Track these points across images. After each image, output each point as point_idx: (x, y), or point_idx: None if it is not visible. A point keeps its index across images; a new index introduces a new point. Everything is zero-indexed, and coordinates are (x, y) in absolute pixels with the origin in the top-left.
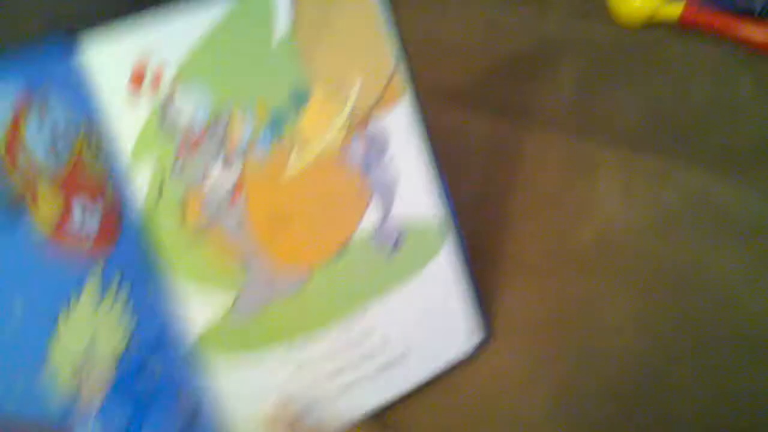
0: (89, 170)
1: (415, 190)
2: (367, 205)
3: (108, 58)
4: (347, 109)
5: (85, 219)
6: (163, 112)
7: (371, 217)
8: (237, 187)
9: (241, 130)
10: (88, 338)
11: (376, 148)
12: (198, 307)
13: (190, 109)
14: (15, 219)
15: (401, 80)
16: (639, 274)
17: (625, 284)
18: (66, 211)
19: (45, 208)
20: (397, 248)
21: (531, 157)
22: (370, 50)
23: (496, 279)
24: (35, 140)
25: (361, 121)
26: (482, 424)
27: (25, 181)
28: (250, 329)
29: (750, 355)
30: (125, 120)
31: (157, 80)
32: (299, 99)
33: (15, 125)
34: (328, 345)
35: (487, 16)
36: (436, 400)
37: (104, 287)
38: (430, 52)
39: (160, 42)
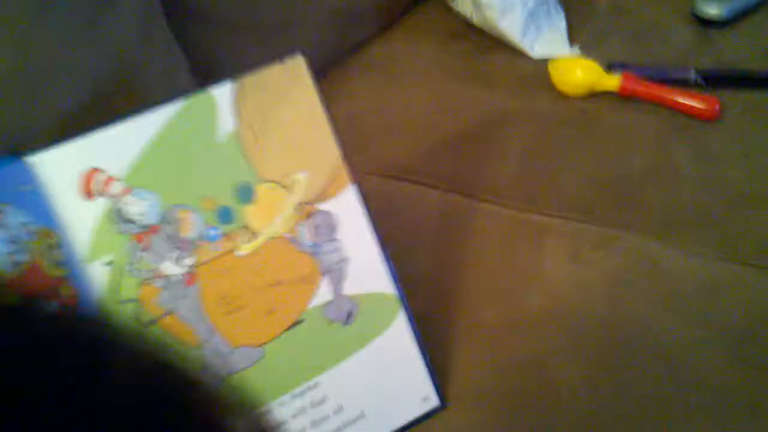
0: (45, 273)
1: (365, 267)
2: (318, 284)
3: (58, 171)
4: (294, 198)
5: None
6: (115, 215)
7: (322, 295)
8: (190, 278)
9: (190, 226)
10: None
11: (324, 231)
12: None
13: (140, 210)
14: None
15: (346, 168)
16: (587, 337)
17: (574, 348)
18: None
19: None
20: (350, 322)
21: (480, 227)
22: (315, 143)
23: (450, 346)
24: None
25: (308, 209)
26: None
27: None
28: None
29: (695, 415)
30: (79, 222)
31: (106, 187)
32: (245, 193)
33: None
34: (281, 415)
35: (435, 92)
36: None
37: None
38: (380, 127)
39: (105, 154)
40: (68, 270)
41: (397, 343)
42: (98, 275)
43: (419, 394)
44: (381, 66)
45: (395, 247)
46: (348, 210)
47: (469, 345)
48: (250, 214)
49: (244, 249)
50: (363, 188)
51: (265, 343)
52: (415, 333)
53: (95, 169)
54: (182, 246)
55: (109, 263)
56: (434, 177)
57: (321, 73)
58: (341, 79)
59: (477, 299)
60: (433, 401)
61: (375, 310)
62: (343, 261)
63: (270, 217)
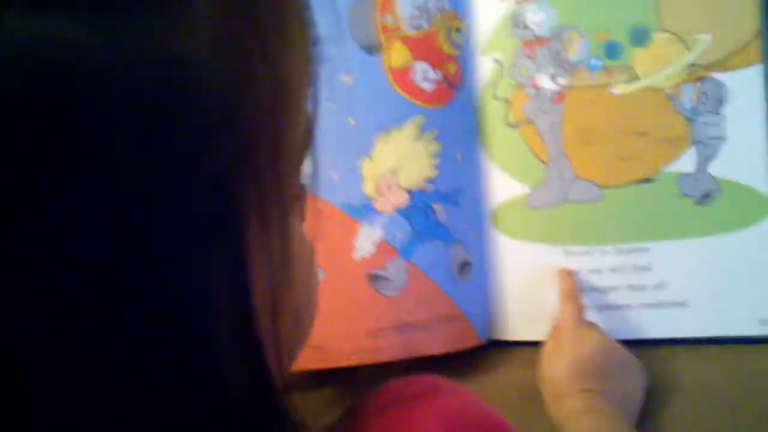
0: (439, 45)
1: (743, 155)
2: (683, 151)
3: None
4: (690, 57)
5: (423, 78)
6: (516, 19)
7: (684, 164)
8: (559, 97)
9: (576, 49)
10: (393, 163)
11: (710, 101)
12: (497, 187)
13: (538, 20)
14: (371, 58)
15: (758, 47)
16: None
17: None
18: (409, 66)
19: (394, 58)
20: (704, 202)
21: None
22: (732, 7)
23: None
24: (403, 7)
25: (700, 72)
26: None
27: (386, 35)
28: (535, 222)
29: None
30: (486, 17)
31: None
32: (640, 35)
33: None
34: (598, 263)
35: None
36: None
37: (422, 132)
38: None
39: None
40: (460, 52)
41: (752, 248)
42: (484, 68)
43: (759, 313)
44: None
45: None
46: (745, 88)
47: None
48: (639, 57)
49: (621, 89)
50: None
51: (607, 187)
52: None
53: None
54: (562, 65)
55: (497, 60)
56: None
57: None
58: None
59: None
60: None
61: (739, 203)
62: (720, 139)
63: (657, 66)
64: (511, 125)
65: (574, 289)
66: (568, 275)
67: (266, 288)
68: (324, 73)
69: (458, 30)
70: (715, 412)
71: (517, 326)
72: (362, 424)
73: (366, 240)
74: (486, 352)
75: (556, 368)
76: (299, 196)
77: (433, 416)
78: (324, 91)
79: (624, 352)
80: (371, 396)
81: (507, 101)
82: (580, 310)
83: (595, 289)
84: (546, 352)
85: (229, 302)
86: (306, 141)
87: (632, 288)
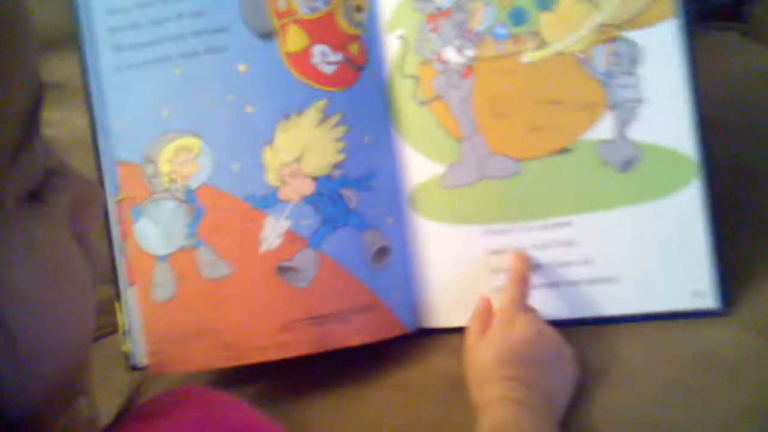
0: (338, 25)
1: (663, 116)
2: (600, 116)
3: None
4: (599, 17)
5: (323, 61)
6: None
7: (602, 131)
8: (467, 70)
9: (481, 18)
10: (297, 151)
11: (623, 62)
12: (412, 169)
13: None
14: (267, 45)
15: (670, 1)
16: None
17: None
18: (306, 49)
19: (290, 42)
20: (627, 169)
21: None
22: None
23: (747, 247)
24: None
25: (611, 32)
26: None
27: (280, 20)
28: (453, 202)
29: None
30: None
31: None
32: (545, 0)
33: None
34: (522, 240)
35: None
36: None
37: (325, 116)
38: None
39: None
40: (363, 32)
41: (679, 215)
42: (390, 46)
43: (691, 285)
44: None
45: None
46: (660, 46)
47: None
48: (546, 21)
49: (529, 56)
50: None
51: (525, 160)
52: (710, 212)
53: None
54: (467, 36)
55: (401, 37)
56: None
57: None
58: None
59: None
60: (709, 301)
61: (663, 168)
62: (637, 101)
63: (566, 30)
64: (421, 103)
65: (524, 273)
66: (522, 257)
67: None
68: (219, 63)
69: (359, 9)
70: (644, 396)
71: (444, 312)
72: None
73: (272, 231)
74: (415, 341)
75: (482, 352)
76: (38, 195)
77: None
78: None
79: (557, 340)
80: (134, 408)
81: (415, 78)
82: (523, 295)
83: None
84: (472, 334)
85: None
86: (11, 137)
87: (558, 264)
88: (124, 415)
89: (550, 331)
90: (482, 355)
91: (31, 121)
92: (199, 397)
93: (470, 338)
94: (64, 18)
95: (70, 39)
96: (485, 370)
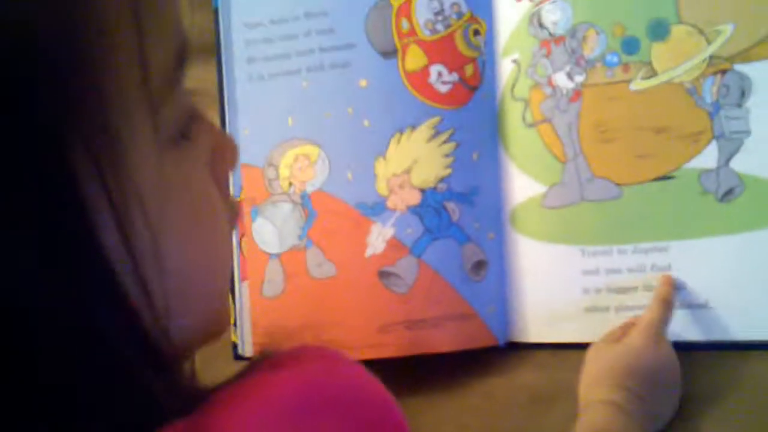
0: (456, 47)
1: None
2: (705, 146)
3: None
4: (709, 50)
5: (438, 80)
6: (533, 18)
7: (705, 160)
8: (575, 95)
9: (593, 46)
10: (407, 164)
11: (732, 94)
12: (515, 187)
13: (555, 19)
14: (387, 63)
15: None
16: None
17: None
18: (424, 68)
19: (410, 61)
20: (727, 199)
21: None
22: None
23: None
24: (420, 13)
25: (721, 65)
26: None
27: (402, 39)
28: (552, 222)
29: None
30: (506, 19)
31: None
32: (659, 29)
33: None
34: (618, 262)
35: None
36: None
37: (436, 132)
38: None
39: None
40: (480, 54)
41: None
42: (504, 69)
43: None
44: None
45: None
46: None
47: None
48: (657, 51)
49: (639, 84)
50: None
51: (626, 185)
52: None
53: None
54: (579, 62)
55: (515, 61)
56: None
57: None
58: None
59: None
60: None
61: (763, 199)
62: (743, 133)
63: (677, 60)
64: (529, 125)
65: (669, 297)
66: (670, 281)
67: (131, 237)
68: (343, 78)
69: (477, 32)
70: (730, 425)
71: (534, 328)
72: (236, 386)
73: (377, 237)
74: (504, 353)
75: (614, 354)
76: (185, 133)
77: (285, 383)
78: (342, 95)
79: (678, 373)
80: (260, 360)
81: (525, 101)
82: (665, 318)
83: (613, 290)
84: (607, 337)
85: (74, 252)
86: (171, 72)
87: (651, 289)
88: (250, 366)
89: (677, 363)
90: (611, 356)
91: (179, 66)
92: (321, 353)
93: (602, 341)
94: (205, 29)
95: (206, 49)
96: (606, 371)
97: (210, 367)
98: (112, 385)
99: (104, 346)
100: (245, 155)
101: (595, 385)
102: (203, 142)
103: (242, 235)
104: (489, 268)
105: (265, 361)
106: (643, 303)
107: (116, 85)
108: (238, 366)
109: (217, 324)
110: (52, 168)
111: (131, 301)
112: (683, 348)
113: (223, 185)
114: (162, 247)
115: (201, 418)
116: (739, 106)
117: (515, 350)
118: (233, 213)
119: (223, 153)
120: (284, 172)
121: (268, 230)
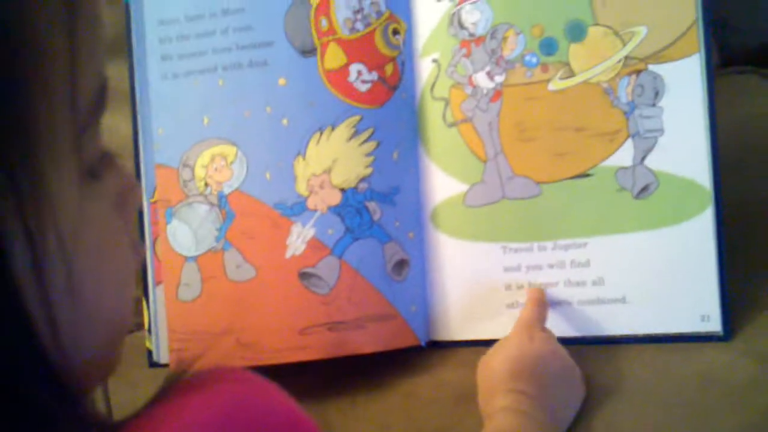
0: (376, 46)
1: (682, 147)
2: (620, 144)
3: None
4: (624, 50)
5: (358, 79)
6: (453, 19)
7: (621, 158)
8: (496, 95)
9: (512, 47)
10: (327, 163)
11: (647, 94)
12: (436, 187)
13: (475, 19)
14: (307, 61)
15: (697, 36)
16: None
17: None
18: (344, 67)
19: (329, 60)
20: (642, 196)
21: None
22: (667, 1)
23: (752, 275)
24: (339, 11)
25: (636, 65)
26: None
27: (321, 38)
28: (474, 220)
29: None
30: (426, 19)
31: None
32: (576, 30)
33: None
34: (537, 259)
35: None
36: None
37: (356, 132)
38: None
39: None
40: (399, 53)
41: (691, 242)
42: (423, 69)
43: (699, 309)
44: None
45: None
46: (683, 80)
47: None
48: (574, 52)
49: (557, 84)
50: None
51: (545, 183)
52: (720, 240)
53: None
54: (499, 63)
55: (435, 60)
56: None
57: None
58: None
59: None
60: (714, 325)
61: (678, 196)
62: (658, 131)
63: (593, 61)
64: (450, 124)
65: (540, 297)
66: (540, 290)
67: (45, 267)
68: (261, 76)
69: (396, 32)
70: (647, 414)
71: (456, 326)
72: (148, 414)
73: (298, 238)
74: (427, 352)
75: (496, 362)
76: (94, 173)
77: (198, 410)
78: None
79: (569, 361)
80: (174, 383)
81: (445, 101)
82: (538, 316)
83: (534, 286)
84: (494, 346)
85: None
86: (93, 105)
87: (571, 284)
88: (163, 390)
89: (563, 352)
90: (496, 364)
91: (98, 104)
92: (238, 376)
93: (493, 347)
94: (115, 25)
95: (118, 46)
96: (497, 379)
97: (125, 375)
98: (15, 415)
99: (7, 377)
100: (159, 156)
101: (488, 396)
102: (112, 183)
103: (156, 238)
104: (411, 267)
105: (177, 385)
106: (563, 298)
107: (46, 113)
108: (154, 373)
109: (110, 361)
110: None
111: (37, 331)
112: (606, 342)
113: (129, 227)
114: (74, 278)
115: None
116: (654, 105)
117: (438, 349)
118: (139, 254)
119: (127, 195)
120: (200, 172)
121: (184, 232)
